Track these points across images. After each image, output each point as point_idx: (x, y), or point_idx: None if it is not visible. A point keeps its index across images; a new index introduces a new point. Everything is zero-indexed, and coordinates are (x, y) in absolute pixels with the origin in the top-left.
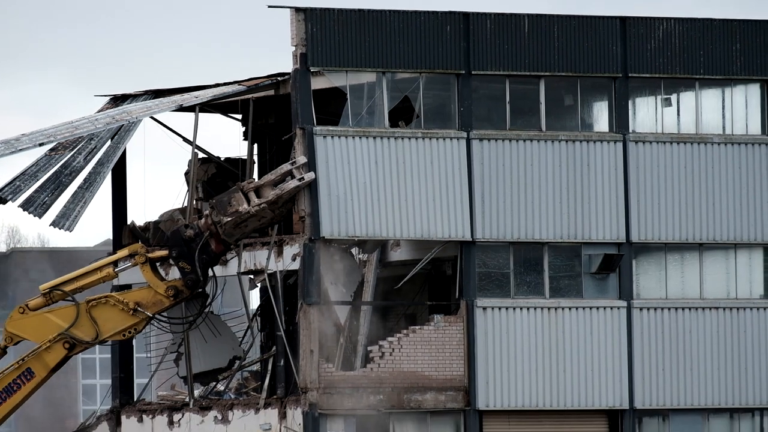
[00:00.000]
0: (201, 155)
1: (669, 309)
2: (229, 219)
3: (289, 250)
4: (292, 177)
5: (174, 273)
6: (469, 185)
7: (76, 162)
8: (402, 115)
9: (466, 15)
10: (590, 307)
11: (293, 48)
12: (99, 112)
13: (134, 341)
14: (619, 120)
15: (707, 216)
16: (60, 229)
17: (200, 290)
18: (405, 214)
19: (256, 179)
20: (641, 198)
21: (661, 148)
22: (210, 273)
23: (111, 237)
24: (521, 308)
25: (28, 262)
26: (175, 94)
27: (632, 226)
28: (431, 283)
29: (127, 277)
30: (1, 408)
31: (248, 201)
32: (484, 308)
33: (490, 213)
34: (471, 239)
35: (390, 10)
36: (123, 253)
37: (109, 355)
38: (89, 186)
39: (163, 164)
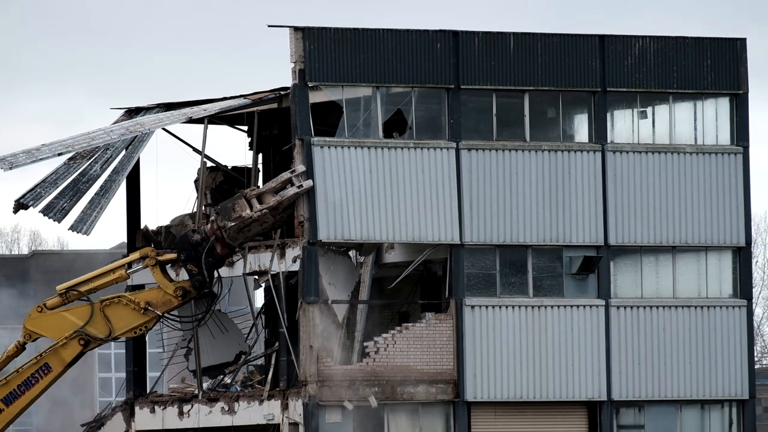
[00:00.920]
0: (209, 164)
1: (644, 307)
2: (233, 224)
3: (291, 253)
4: (292, 184)
5: (184, 274)
6: (458, 192)
7: (92, 170)
8: (395, 126)
9: (455, 33)
10: (571, 306)
11: (292, 64)
12: (114, 123)
13: (147, 337)
14: (598, 131)
15: (680, 220)
16: (78, 233)
17: (208, 290)
18: (398, 219)
19: (261, 186)
20: (618, 204)
21: (637, 157)
22: (216, 274)
23: (125, 240)
24: (507, 306)
25: (48, 264)
26: (185, 107)
27: (610, 230)
28: (423, 283)
29: (140, 278)
30: (19, 400)
31: (251, 207)
32: (472, 307)
33: (477, 218)
34: (460, 242)
35: (384, 29)
36: (134, 256)
37: (124, 350)
38: (105, 193)
39: (174, 172)
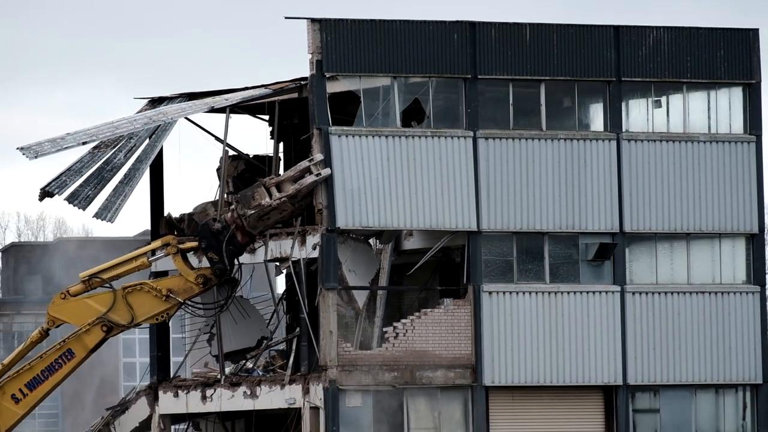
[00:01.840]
0: (231, 153)
1: (659, 293)
2: (252, 212)
3: (312, 240)
4: (310, 173)
5: (206, 261)
6: (475, 180)
7: (117, 159)
8: (414, 115)
9: (472, 24)
10: (587, 292)
11: (310, 55)
12: (138, 113)
13: (170, 323)
14: (613, 120)
15: (694, 208)
16: (102, 220)
17: (230, 277)
18: (416, 207)
19: (280, 175)
20: (633, 192)
21: (651, 146)
22: (236, 262)
23: (149, 228)
24: (524, 293)
25: (73, 251)
26: (207, 96)
27: (625, 217)
28: (441, 269)
29: (164, 265)
30: (43, 385)
31: (270, 195)
32: (490, 293)
33: (494, 205)
34: (477, 229)
35: (401, 20)
36: (156, 244)
37: (148, 336)
38: (129, 181)
39: (197, 161)
